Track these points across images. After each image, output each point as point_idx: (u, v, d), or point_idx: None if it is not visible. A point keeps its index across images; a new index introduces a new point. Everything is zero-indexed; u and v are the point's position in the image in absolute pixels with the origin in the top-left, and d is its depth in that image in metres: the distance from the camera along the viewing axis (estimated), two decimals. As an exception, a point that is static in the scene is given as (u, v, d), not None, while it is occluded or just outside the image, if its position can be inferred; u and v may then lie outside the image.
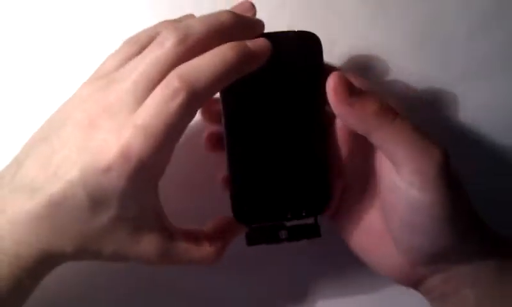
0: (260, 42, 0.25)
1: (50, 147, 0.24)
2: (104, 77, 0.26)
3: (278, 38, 0.28)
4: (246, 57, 0.24)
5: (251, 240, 0.29)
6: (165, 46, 0.24)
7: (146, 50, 0.25)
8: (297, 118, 0.29)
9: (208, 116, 0.31)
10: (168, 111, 0.22)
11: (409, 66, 0.36)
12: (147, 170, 0.23)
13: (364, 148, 0.28)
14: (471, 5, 0.36)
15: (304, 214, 0.29)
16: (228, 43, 0.24)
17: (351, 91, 0.24)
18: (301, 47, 0.28)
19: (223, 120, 0.29)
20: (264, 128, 0.29)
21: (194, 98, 0.23)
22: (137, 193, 0.24)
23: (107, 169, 0.22)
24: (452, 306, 0.27)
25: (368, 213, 0.29)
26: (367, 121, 0.24)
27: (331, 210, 0.30)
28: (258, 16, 0.29)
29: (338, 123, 0.29)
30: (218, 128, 0.31)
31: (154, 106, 0.23)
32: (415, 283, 0.28)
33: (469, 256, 0.27)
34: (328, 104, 0.27)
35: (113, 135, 0.23)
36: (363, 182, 0.30)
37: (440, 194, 0.24)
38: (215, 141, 0.31)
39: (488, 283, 0.27)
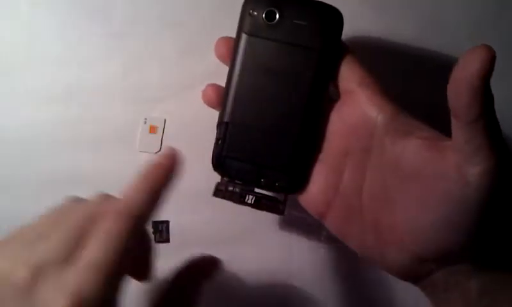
0: (168, 153, 0.25)
1: None
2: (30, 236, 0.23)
3: (298, 4, 0.28)
4: (166, 172, 0.25)
5: (218, 192, 0.30)
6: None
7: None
8: (299, 88, 0.28)
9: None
10: (112, 239, 0.22)
11: (409, 66, 0.36)
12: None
13: (368, 142, 0.28)
14: (471, 6, 0.36)
15: (276, 186, 0.29)
16: (145, 168, 0.25)
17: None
18: (321, 19, 0.28)
19: (229, 66, 0.30)
20: (264, 88, 0.29)
21: (135, 222, 0.23)
22: None
23: None
24: (453, 298, 0.27)
25: (372, 208, 0.28)
26: (480, 107, 0.22)
27: (303, 197, 0.30)
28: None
29: (335, 114, 0.29)
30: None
31: (96, 239, 0.22)
32: (417, 278, 0.28)
33: (480, 251, 0.26)
34: (334, 85, 0.28)
35: (54, 292, 0.21)
36: (365, 175, 0.29)
37: (495, 196, 0.23)
38: (215, 93, 0.31)
39: (491, 274, 0.27)
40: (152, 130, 0.37)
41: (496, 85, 0.22)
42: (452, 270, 0.27)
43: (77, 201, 0.27)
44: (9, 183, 0.37)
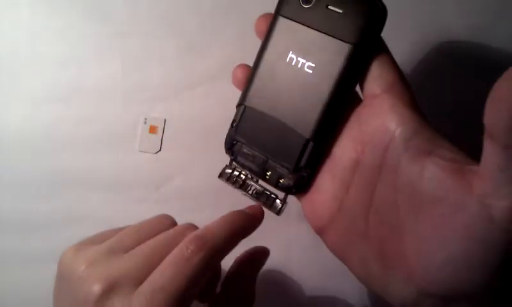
0: (256, 210, 0.28)
1: None
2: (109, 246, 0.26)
3: None
4: (248, 222, 0.27)
5: (223, 175, 0.30)
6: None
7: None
8: (323, 85, 0.27)
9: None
10: (188, 269, 0.23)
11: (408, 66, 0.36)
12: None
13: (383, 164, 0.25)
14: (471, 5, 0.36)
15: (279, 183, 0.28)
16: (231, 212, 0.27)
17: None
18: (362, 10, 0.26)
19: (260, 47, 0.29)
20: (288, 77, 0.28)
21: (213, 254, 0.24)
22: None
23: None
24: None
25: (379, 232, 0.25)
26: None
27: (305, 201, 0.29)
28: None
29: (353, 118, 0.27)
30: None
31: (173, 266, 0.23)
32: None
33: (498, 297, 0.23)
34: (360, 86, 0.26)
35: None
36: (373, 194, 0.26)
37: None
38: (244, 74, 0.30)
39: None
40: (152, 130, 0.37)
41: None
42: None
43: (167, 219, 0.29)
44: (9, 183, 0.37)
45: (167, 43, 0.37)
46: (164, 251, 0.24)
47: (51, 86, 0.37)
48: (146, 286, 0.23)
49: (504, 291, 0.23)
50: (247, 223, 0.27)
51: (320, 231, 0.28)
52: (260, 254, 0.30)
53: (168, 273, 0.23)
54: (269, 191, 0.29)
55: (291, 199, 0.32)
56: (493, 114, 0.20)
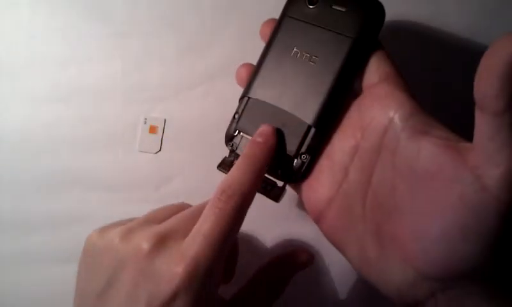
0: (265, 132, 0.28)
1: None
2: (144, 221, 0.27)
3: None
4: (265, 152, 0.27)
5: (222, 165, 0.30)
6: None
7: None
8: (325, 77, 0.28)
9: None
10: (225, 216, 0.25)
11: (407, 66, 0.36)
12: (212, 278, 0.24)
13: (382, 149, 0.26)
14: (471, 5, 0.36)
15: (278, 173, 0.29)
16: (247, 148, 0.28)
17: None
18: (361, 8, 0.28)
19: (265, 44, 0.30)
20: (291, 70, 0.29)
21: (243, 199, 0.25)
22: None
23: (174, 297, 0.23)
24: None
25: (377, 214, 0.26)
26: (509, 98, 0.20)
27: (301, 190, 0.29)
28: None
29: (353, 108, 0.28)
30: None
31: (211, 216, 0.25)
32: (415, 302, 0.25)
33: (495, 271, 0.23)
34: (359, 79, 0.27)
35: (174, 258, 0.24)
36: (371, 177, 0.27)
37: None
38: (247, 73, 0.31)
39: (504, 303, 0.23)
40: (152, 130, 0.37)
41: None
42: (458, 295, 0.23)
43: (186, 204, 0.30)
44: (10, 183, 0.37)
45: (167, 43, 0.37)
46: (198, 213, 0.26)
47: (51, 86, 0.37)
48: (193, 234, 0.25)
49: (501, 273, 0.23)
50: (264, 154, 0.27)
51: (318, 216, 0.28)
52: (305, 256, 0.32)
53: (209, 221, 0.25)
54: (268, 179, 0.29)
55: (291, 200, 0.32)
56: (481, 85, 0.21)
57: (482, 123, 0.21)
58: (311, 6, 0.29)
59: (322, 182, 0.28)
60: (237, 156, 0.29)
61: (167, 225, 0.26)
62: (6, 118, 0.37)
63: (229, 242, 0.25)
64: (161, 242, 0.25)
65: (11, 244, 0.36)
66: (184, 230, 0.25)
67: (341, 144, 0.28)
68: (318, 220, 0.28)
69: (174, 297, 0.23)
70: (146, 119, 0.37)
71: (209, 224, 0.24)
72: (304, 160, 0.28)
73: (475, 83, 0.21)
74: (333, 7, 0.28)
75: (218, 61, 0.36)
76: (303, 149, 0.28)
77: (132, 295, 0.24)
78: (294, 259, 0.32)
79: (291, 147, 0.28)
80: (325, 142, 0.28)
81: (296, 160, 0.28)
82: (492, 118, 0.20)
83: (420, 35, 0.36)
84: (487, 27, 0.35)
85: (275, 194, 0.29)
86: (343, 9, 0.28)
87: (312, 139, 0.28)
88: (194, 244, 0.24)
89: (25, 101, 0.37)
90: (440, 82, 0.35)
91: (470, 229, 0.21)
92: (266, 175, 0.28)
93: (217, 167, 0.30)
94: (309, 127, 0.28)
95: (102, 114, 0.37)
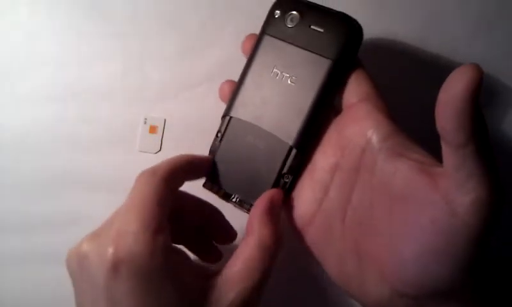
0: (205, 160, 0.31)
1: None
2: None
3: (320, 12, 0.29)
4: (194, 161, 0.29)
5: (207, 184, 0.30)
6: None
7: None
8: (305, 97, 0.28)
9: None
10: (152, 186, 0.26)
11: (407, 65, 0.36)
12: (145, 235, 0.24)
13: (357, 167, 0.26)
14: (471, 5, 0.36)
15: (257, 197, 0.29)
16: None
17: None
18: (340, 29, 0.28)
19: (246, 62, 0.30)
20: (271, 89, 0.29)
21: (162, 177, 0.27)
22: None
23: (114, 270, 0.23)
24: None
25: (355, 232, 0.26)
26: (469, 130, 0.20)
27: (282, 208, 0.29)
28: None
29: (333, 127, 0.29)
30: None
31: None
32: None
33: (470, 291, 0.24)
34: (339, 98, 0.27)
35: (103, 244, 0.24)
36: (351, 196, 0.27)
37: (486, 230, 0.21)
38: (230, 89, 0.31)
39: None
40: (152, 130, 0.37)
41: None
42: None
43: None
44: (10, 183, 0.37)
45: (167, 43, 0.37)
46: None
47: (51, 86, 0.37)
48: (113, 216, 0.26)
49: (479, 287, 0.23)
50: (192, 161, 0.29)
51: (299, 232, 0.29)
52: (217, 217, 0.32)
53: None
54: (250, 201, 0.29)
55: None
56: (441, 118, 0.21)
57: (447, 154, 0.22)
58: (289, 25, 0.29)
59: (303, 200, 0.29)
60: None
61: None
62: (6, 118, 0.37)
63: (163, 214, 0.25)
64: (94, 239, 0.25)
65: (11, 244, 0.36)
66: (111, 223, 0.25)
67: (322, 163, 0.28)
68: (299, 236, 0.29)
69: (115, 270, 0.23)
70: (146, 119, 0.37)
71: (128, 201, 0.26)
72: (287, 180, 0.28)
73: (436, 116, 0.21)
74: (312, 27, 0.28)
75: (218, 61, 0.36)
76: (285, 170, 0.28)
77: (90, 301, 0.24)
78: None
79: (274, 167, 0.28)
80: (306, 160, 0.29)
81: (280, 181, 0.28)
82: (456, 150, 0.21)
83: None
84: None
85: None
86: (321, 30, 0.28)
87: (294, 159, 0.28)
88: (115, 221, 0.25)
89: (25, 101, 0.37)
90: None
91: (442, 252, 0.22)
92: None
93: (203, 186, 0.30)
94: (291, 148, 0.28)
95: (102, 114, 0.37)
